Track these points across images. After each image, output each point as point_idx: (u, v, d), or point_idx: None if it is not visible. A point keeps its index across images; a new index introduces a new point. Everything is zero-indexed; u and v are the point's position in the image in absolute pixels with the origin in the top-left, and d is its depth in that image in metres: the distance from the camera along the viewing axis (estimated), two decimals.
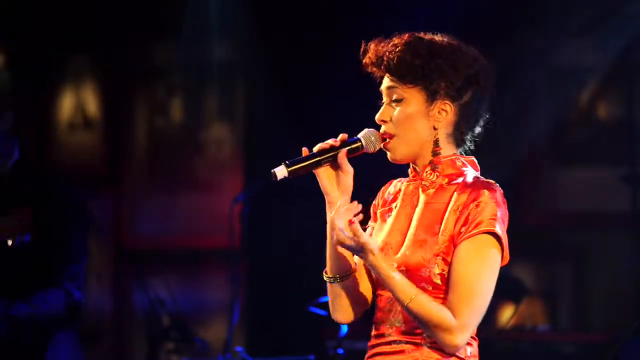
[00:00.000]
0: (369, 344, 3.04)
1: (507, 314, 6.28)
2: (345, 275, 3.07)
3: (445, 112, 2.98)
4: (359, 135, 2.99)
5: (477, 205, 2.90)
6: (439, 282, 2.94)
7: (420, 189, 3.04)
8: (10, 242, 4.29)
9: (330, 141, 2.98)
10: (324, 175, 3.03)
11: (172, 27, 6.78)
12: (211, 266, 6.91)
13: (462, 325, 2.87)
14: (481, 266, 2.88)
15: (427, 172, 3.02)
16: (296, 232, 5.57)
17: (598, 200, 6.24)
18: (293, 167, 2.94)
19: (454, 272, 2.88)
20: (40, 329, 4.53)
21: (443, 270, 2.94)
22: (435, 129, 2.99)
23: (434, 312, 2.86)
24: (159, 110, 7.15)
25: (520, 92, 6.07)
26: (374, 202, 3.16)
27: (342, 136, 3.00)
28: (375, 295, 3.10)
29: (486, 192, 2.92)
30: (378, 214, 3.14)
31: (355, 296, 3.11)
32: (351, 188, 3.01)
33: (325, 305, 5.13)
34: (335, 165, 3.01)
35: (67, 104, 7.12)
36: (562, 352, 6.17)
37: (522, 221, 6.22)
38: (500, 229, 2.87)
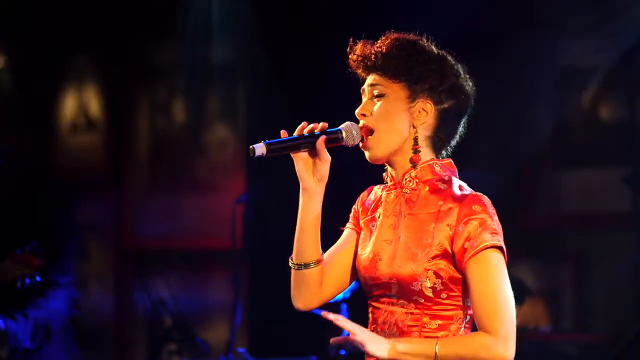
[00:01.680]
0: (366, 358, 3.01)
1: None
2: (312, 263, 3.09)
3: (426, 113, 2.98)
4: (341, 127, 2.99)
5: (475, 223, 2.90)
6: (430, 295, 2.94)
7: (402, 198, 3.04)
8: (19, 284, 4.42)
9: (312, 125, 2.97)
10: (301, 161, 3.01)
11: (174, 28, 6.76)
12: (213, 267, 6.88)
13: (502, 338, 2.86)
14: (497, 279, 2.89)
15: (406, 178, 3.02)
16: None
17: (600, 201, 6.22)
18: (272, 146, 2.93)
19: (474, 293, 2.88)
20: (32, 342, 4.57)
21: (435, 283, 2.93)
22: (414, 127, 2.98)
23: (467, 342, 2.86)
24: (161, 111, 7.12)
25: (522, 94, 6.05)
26: (354, 207, 3.18)
27: (323, 124, 3.00)
28: (369, 305, 3.08)
29: (479, 207, 2.92)
30: (362, 224, 3.14)
31: (318, 286, 3.12)
32: (327, 177, 3.01)
33: (326, 307, 5.14)
34: (313, 153, 3.00)
35: (69, 105, 7.08)
36: (565, 352, 6.17)
37: (524, 223, 6.22)
38: (502, 241, 2.90)
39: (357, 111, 3.02)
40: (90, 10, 6.63)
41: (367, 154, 3.03)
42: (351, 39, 3.06)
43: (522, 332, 5.87)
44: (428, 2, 5.78)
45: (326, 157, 3.00)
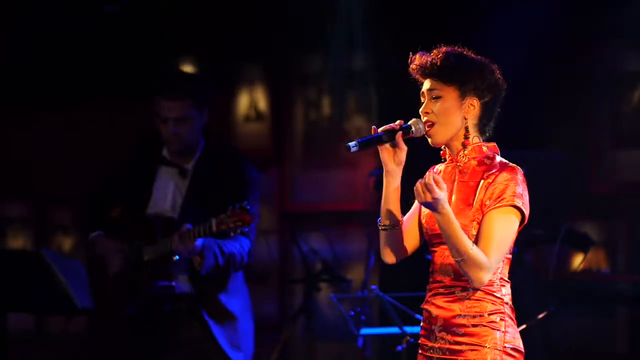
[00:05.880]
0: (428, 287, 3.27)
1: (577, 260, 6.50)
2: (395, 224, 3.26)
3: (473, 107, 3.21)
4: (409, 123, 3.23)
5: (501, 184, 3.12)
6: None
7: (457, 170, 3.25)
8: (232, 234, 4.63)
9: (392, 124, 3.20)
10: (385, 151, 3.21)
11: (321, 43, 7.14)
12: (352, 224, 7.13)
13: (491, 267, 3.06)
14: (504, 226, 3.10)
15: (460, 155, 3.23)
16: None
17: None
18: (362, 143, 3.14)
19: (485, 230, 3.08)
20: (231, 266, 4.85)
21: (478, 231, 3.17)
22: (465, 119, 3.21)
23: (477, 252, 3.06)
24: (313, 107, 7.46)
25: (585, 92, 6.39)
26: None
27: (400, 122, 3.21)
28: (431, 251, 3.29)
29: (507, 174, 3.13)
30: None
31: (399, 243, 3.30)
32: (404, 162, 3.22)
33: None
34: (394, 144, 3.20)
35: (243, 102, 7.57)
36: (619, 289, 6.37)
37: (589, 190, 6.53)
38: (520, 202, 3.09)
39: (421, 110, 3.21)
40: (259, 30, 7.14)
41: (430, 140, 3.24)
42: (410, 54, 3.22)
43: (588, 274, 6.45)
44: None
45: (403, 147, 3.20)
